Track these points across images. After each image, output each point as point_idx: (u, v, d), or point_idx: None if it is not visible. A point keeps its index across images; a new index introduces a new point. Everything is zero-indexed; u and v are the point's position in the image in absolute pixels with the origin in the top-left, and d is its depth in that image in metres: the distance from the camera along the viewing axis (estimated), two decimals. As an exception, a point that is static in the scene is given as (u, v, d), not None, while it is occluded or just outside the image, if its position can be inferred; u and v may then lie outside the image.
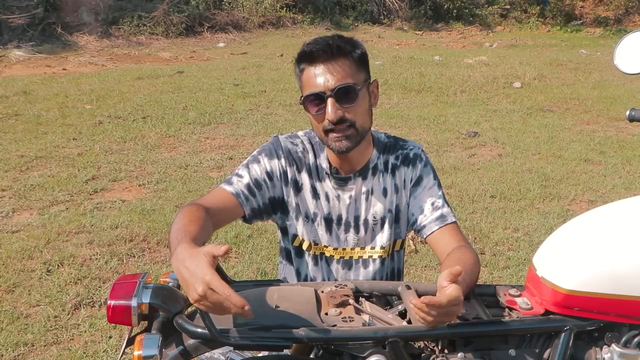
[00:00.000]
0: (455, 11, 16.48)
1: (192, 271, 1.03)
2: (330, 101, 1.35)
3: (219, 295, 1.00)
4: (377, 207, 1.51)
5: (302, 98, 1.39)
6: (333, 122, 1.36)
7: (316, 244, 1.52)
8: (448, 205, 1.51)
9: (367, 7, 15.52)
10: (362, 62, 1.42)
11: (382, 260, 1.53)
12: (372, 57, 10.77)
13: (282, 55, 10.84)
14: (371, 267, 1.53)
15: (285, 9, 14.24)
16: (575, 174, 4.90)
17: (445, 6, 16.39)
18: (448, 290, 1.06)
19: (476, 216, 4.00)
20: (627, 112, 1.64)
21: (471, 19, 16.63)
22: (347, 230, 1.51)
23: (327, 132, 1.39)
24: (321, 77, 1.36)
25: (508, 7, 17.26)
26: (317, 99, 1.36)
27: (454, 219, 1.48)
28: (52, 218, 3.81)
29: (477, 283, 1.35)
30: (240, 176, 1.45)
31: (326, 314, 1.21)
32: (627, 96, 7.85)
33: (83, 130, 5.90)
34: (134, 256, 3.33)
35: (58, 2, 11.56)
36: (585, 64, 10.53)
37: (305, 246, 1.52)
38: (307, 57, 1.37)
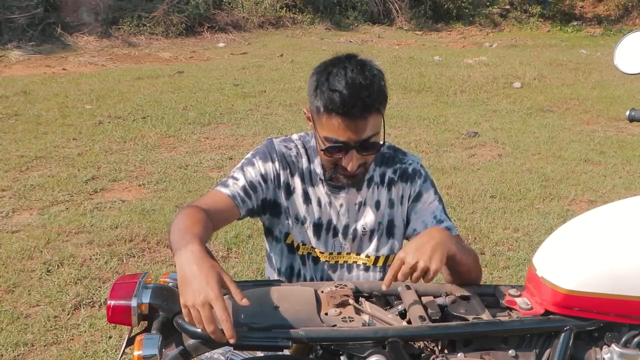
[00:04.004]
0: (455, 11, 16.47)
1: (201, 281, 1.06)
2: (353, 153, 1.34)
3: (212, 315, 1.04)
4: (368, 219, 1.51)
5: (324, 142, 1.35)
6: (352, 171, 1.37)
7: (305, 245, 1.53)
8: (449, 218, 1.51)
9: (367, 7, 15.51)
10: (386, 103, 1.39)
11: (367, 267, 1.54)
12: (372, 57, 10.74)
13: (282, 55, 10.84)
14: (354, 273, 1.54)
15: (285, 9, 14.23)
16: (575, 174, 4.90)
17: (445, 6, 16.38)
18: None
19: (476, 216, 4.00)
20: (627, 112, 1.64)
21: (471, 19, 16.62)
22: (335, 236, 1.51)
23: (337, 168, 1.40)
24: (349, 130, 1.32)
25: (508, 7, 17.25)
26: (339, 149, 1.35)
27: (455, 233, 1.48)
28: (52, 218, 3.81)
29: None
30: (235, 179, 1.45)
31: (326, 314, 1.22)
32: (627, 96, 7.85)
33: (83, 130, 5.90)
34: (134, 256, 3.33)
35: (58, 2, 11.55)
36: (585, 64, 10.52)
37: (295, 245, 1.54)
38: (340, 108, 1.29)
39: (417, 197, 1.51)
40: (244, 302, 1.08)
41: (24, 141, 5.46)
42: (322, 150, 1.37)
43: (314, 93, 1.36)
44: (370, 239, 1.52)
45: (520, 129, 6.33)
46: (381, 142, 1.37)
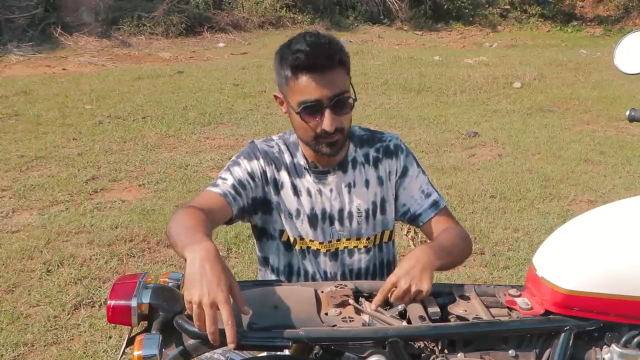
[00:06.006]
0: (455, 11, 16.46)
1: (212, 281, 1.06)
2: (328, 112, 1.37)
3: (216, 317, 1.05)
4: (361, 200, 1.53)
5: (299, 106, 1.37)
6: (330, 132, 1.38)
7: (302, 239, 1.53)
8: (435, 189, 1.59)
9: (367, 7, 15.50)
10: (349, 66, 1.44)
11: (368, 249, 1.57)
12: (372, 57, 10.77)
13: (282, 55, 10.83)
14: (356, 256, 1.56)
15: (285, 9, 14.23)
16: (575, 174, 4.90)
17: (445, 6, 16.37)
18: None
19: (476, 216, 4.00)
20: (627, 112, 1.64)
21: (471, 19, 16.62)
22: (332, 224, 1.53)
23: (317, 137, 1.41)
24: (320, 86, 1.35)
25: (508, 7, 17.24)
26: (314, 109, 1.37)
27: (444, 203, 1.58)
28: (52, 218, 3.81)
29: (477, 283, 1.35)
30: (224, 179, 1.47)
31: (326, 314, 1.22)
32: (627, 96, 7.85)
33: (83, 130, 5.90)
34: (134, 256, 3.34)
35: (58, 2, 11.54)
36: (585, 64, 10.52)
37: (291, 241, 1.54)
38: (306, 66, 1.34)
39: (404, 172, 1.57)
40: (245, 310, 1.11)
41: (24, 141, 5.46)
42: (297, 113, 1.39)
43: (279, 66, 1.41)
44: (367, 220, 1.54)
45: (520, 129, 6.33)
46: (353, 98, 1.42)
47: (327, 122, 1.37)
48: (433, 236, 1.53)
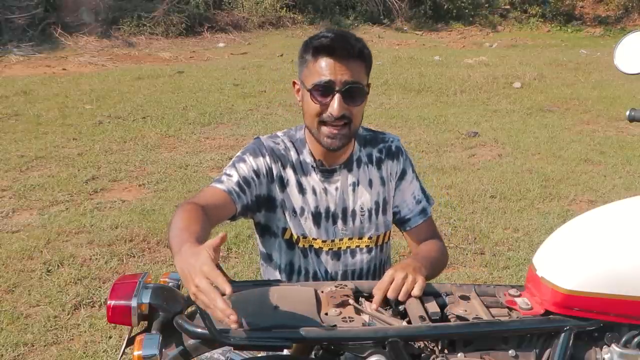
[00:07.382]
0: (455, 11, 16.45)
1: (194, 264, 1.04)
2: (337, 96, 1.39)
3: (219, 295, 1.00)
4: (364, 199, 1.55)
5: (311, 85, 1.40)
6: (337, 117, 1.39)
7: (305, 237, 1.54)
8: (425, 196, 1.63)
9: (367, 7, 15.49)
10: (370, 67, 1.48)
11: (370, 249, 1.58)
12: (372, 57, 10.76)
13: (282, 55, 10.84)
14: (358, 257, 1.57)
15: (285, 9, 14.22)
16: (575, 174, 4.90)
17: (445, 6, 16.36)
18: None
19: (476, 216, 4.00)
20: (627, 112, 1.64)
21: (471, 19, 16.61)
22: (335, 222, 1.53)
23: (322, 123, 1.42)
24: (336, 70, 1.39)
25: (508, 7, 17.24)
26: (325, 91, 1.39)
27: (430, 211, 1.64)
28: (52, 218, 3.81)
29: (477, 283, 1.35)
30: (229, 175, 1.47)
31: (326, 314, 1.22)
32: (627, 96, 7.85)
33: (83, 130, 5.90)
34: (134, 256, 3.34)
35: (58, 2, 11.54)
36: (585, 64, 10.52)
37: (294, 239, 1.54)
38: (327, 49, 1.39)
39: (402, 174, 1.61)
40: (228, 290, 1.01)
41: (24, 141, 5.46)
42: (308, 90, 1.41)
43: (303, 51, 1.45)
44: (370, 219, 1.56)
45: (520, 129, 6.33)
46: (366, 91, 1.44)
47: (334, 105, 1.39)
48: (416, 241, 1.59)
